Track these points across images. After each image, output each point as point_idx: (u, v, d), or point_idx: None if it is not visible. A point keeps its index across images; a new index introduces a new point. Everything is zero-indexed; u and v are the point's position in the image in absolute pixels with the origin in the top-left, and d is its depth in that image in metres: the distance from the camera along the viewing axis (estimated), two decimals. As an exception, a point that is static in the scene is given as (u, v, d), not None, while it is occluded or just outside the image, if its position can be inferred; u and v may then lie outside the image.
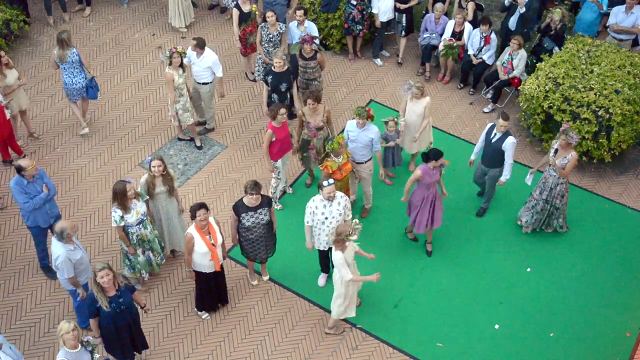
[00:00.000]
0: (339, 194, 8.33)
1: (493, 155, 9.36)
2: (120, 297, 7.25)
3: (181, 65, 10.03)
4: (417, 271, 9.37)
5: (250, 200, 8.14)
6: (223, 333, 8.65)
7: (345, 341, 8.56)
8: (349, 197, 9.19)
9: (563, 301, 9.10)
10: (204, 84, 10.57)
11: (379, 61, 12.74)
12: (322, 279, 9.21)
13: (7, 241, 9.52)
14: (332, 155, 8.95)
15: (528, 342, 8.64)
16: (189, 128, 10.81)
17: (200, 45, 10.24)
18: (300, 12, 11.17)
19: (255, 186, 8.06)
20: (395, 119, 9.99)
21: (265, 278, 9.22)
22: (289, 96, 10.43)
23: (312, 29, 11.33)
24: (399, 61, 12.73)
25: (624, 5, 11.66)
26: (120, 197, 8.03)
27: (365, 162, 9.48)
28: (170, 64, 9.92)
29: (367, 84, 12.31)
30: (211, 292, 8.53)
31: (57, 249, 7.59)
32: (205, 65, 10.38)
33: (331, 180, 8.18)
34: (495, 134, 9.27)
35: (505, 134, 9.21)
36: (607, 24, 11.93)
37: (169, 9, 13.01)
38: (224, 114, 11.59)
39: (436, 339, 8.65)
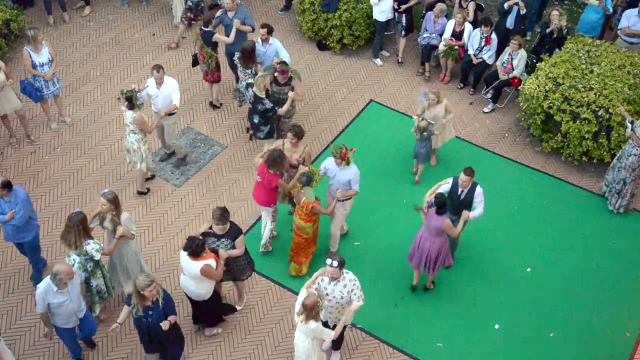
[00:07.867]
0: (349, 277, 7.44)
1: (464, 208, 8.64)
2: (151, 310, 7.17)
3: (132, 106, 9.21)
4: (417, 271, 9.38)
5: (216, 227, 7.82)
6: (223, 333, 8.64)
7: (345, 341, 8.54)
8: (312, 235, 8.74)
9: (563, 301, 9.10)
10: (169, 115, 9.90)
11: (379, 61, 12.74)
12: (335, 357, 8.32)
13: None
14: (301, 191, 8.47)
15: (528, 342, 8.65)
16: (138, 174, 9.97)
17: (163, 70, 9.69)
18: (263, 31, 10.54)
19: (222, 214, 7.70)
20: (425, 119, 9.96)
21: (238, 308, 8.78)
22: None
23: (277, 46, 10.72)
24: (399, 61, 12.73)
25: (636, 9, 11.50)
26: (84, 226, 7.63)
27: (343, 201, 8.88)
28: (132, 107, 9.18)
29: (367, 84, 12.30)
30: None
31: (41, 283, 7.33)
32: (168, 92, 9.77)
33: (335, 263, 7.22)
34: (462, 190, 8.58)
35: (473, 185, 8.56)
36: (619, 27, 11.79)
37: (173, 8, 12.99)
38: (224, 113, 11.58)
39: (436, 339, 8.65)
